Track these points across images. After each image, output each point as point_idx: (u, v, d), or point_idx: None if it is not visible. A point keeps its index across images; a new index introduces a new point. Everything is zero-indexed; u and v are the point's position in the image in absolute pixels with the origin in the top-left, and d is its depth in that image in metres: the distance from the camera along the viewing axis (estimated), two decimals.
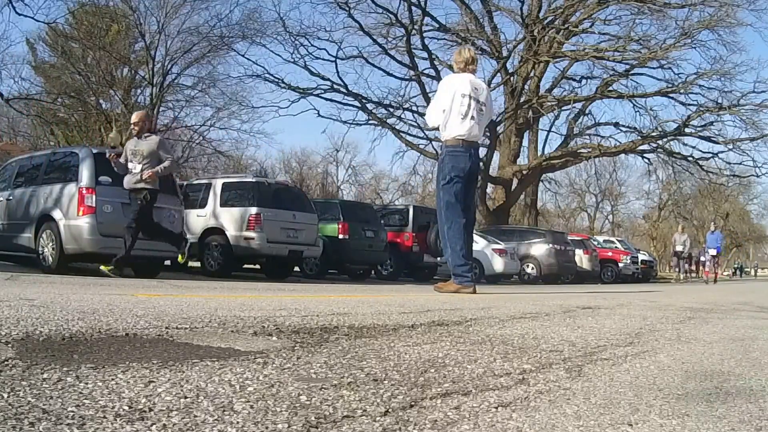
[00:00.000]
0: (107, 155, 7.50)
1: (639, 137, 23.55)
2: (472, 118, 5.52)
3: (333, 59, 21.46)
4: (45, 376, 1.27)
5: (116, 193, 7.73)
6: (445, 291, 5.56)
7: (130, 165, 7.22)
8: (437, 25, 21.79)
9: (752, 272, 60.15)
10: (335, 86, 22.04)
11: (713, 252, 20.00)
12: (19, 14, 16.71)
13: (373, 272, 14.26)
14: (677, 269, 23.54)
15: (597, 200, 50.94)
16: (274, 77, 22.59)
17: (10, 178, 8.95)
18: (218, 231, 10.46)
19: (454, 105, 5.51)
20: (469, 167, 5.58)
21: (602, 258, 20.25)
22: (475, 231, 21.51)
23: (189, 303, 3.04)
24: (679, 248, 21.82)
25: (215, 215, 10.64)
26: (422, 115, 23.12)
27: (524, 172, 24.51)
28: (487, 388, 1.47)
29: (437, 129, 5.88)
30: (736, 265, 56.38)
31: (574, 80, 24.00)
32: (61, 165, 8.31)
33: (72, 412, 1.04)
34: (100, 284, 4.95)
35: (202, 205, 10.83)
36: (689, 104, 22.65)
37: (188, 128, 24.80)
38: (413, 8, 20.07)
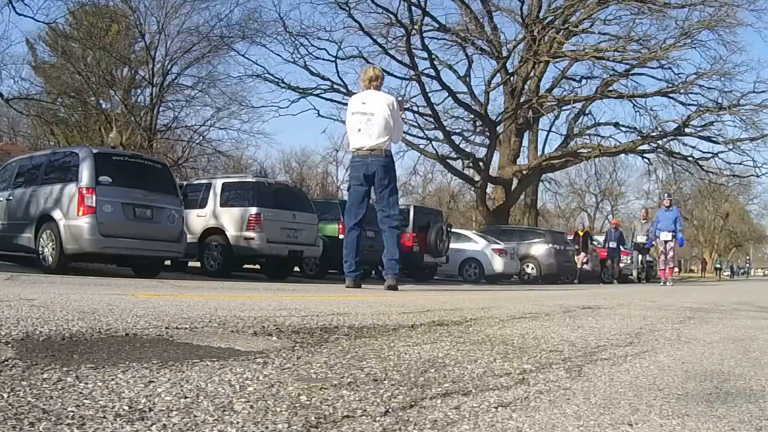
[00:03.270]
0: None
1: (639, 137, 23.55)
2: (359, 130, 6.38)
3: (333, 59, 21.48)
4: (45, 376, 1.27)
5: (116, 193, 7.73)
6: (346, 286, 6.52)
7: None
8: (437, 25, 21.78)
9: (737, 272, 57.72)
10: (335, 86, 22.05)
11: (666, 236, 13.66)
12: (19, 14, 16.71)
13: (373, 272, 14.25)
14: (638, 266, 18.66)
15: (597, 200, 50.95)
16: (274, 77, 22.61)
17: (10, 178, 8.95)
18: (218, 231, 10.46)
19: (349, 124, 6.58)
20: (363, 174, 6.42)
21: (602, 258, 20.24)
22: (475, 231, 21.35)
23: (189, 303, 3.04)
24: (640, 239, 17.00)
25: (215, 215, 10.63)
26: (423, 115, 23.16)
27: (524, 172, 24.51)
28: (487, 388, 1.47)
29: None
30: (718, 265, 50.51)
31: (574, 80, 24.01)
32: (61, 165, 8.31)
33: (72, 412, 1.04)
34: (100, 284, 4.95)
35: (202, 205, 10.82)
36: (689, 104, 22.67)
37: (188, 128, 24.80)
38: (413, 8, 20.07)
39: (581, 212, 51.52)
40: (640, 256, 18.32)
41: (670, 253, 14.10)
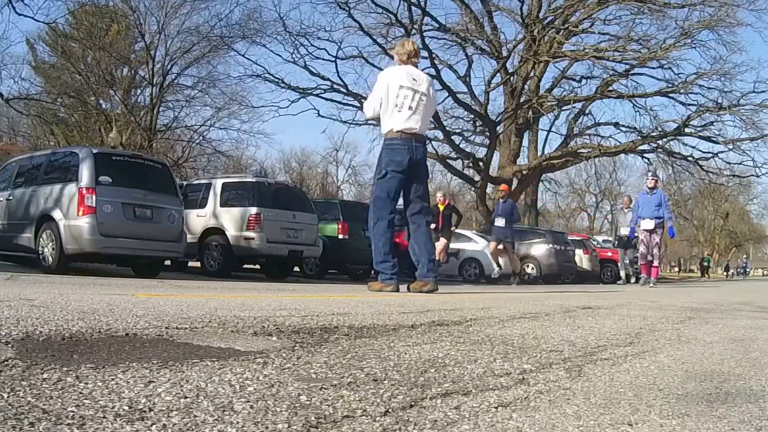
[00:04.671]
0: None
1: (639, 137, 23.55)
2: (410, 109, 5.38)
3: (333, 59, 21.49)
4: (45, 376, 1.27)
5: (116, 193, 7.74)
6: (372, 290, 5.49)
7: None
8: (437, 25, 21.78)
9: (738, 271, 55.54)
10: (335, 86, 22.06)
11: (648, 225, 11.08)
12: (19, 14, 16.72)
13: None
14: (625, 264, 16.20)
15: (597, 200, 50.98)
16: (274, 77, 22.62)
17: (10, 178, 8.95)
18: (218, 231, 10.47)
19: (390, 97, 5.37)
20: (408, 160, 5.40)
21: (602, 258, 20.24)
22: (475, 231, 21.32)
23: (189, 303, 3.04)
24: (624, 231, 14.59)
25: (215, 215, 10.64)
26: None
27: (524, 172, 24.51)
28: (487, 388, 1.47)
29: (375, 121, 5.75)
30: (706, 263, 46.35)
31: (574, 80, 24.02)
32: (61, 165, 8.31)
33: (72, 412, 1.04)
34: (100, 284, 4.95)
35: (202, 205, 10.83)
36: (689, 104, 22.67)
37: (188, 128, 24.82)
38: (413, 8, 20.08)
39: (581, 212, 51.61)
40: (626, 253, 15.69)
41: (655, 248, 11.33)
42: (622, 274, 16.45)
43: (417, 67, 5.76)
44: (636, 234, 12.10)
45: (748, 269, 58.33)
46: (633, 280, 15.99)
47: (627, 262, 16.15)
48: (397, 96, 5.36)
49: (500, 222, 12.34)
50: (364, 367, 1.61)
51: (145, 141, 21.11)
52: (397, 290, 5.41)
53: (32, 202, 8.13)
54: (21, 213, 8.32)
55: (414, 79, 5.45)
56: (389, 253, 5.54)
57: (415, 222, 5.70)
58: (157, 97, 21.89)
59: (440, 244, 12.26)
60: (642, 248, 11.53)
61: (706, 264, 45.43)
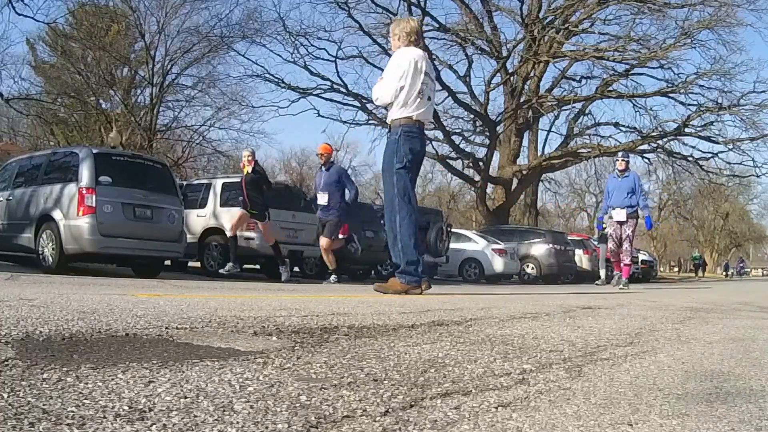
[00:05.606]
0: None
1: (639, 137, 23.57)
2: (429, 99, 5.15)
3: (333, 59, 21.51)
4: (45, 376, 1.27)
5: (116, 194, 7.75)
6: (392, 292, 5.01)
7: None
8: (437, 25, 21.80)
9: (737, 271, 52.90)
10: (335, 86, 22.07)
11: (620, 215, 9.50)
12: (19, 14, 16.75)
13: (373, 272, 14.26)
14: (606, 264, 14.50)
15: (597, 200, 50.95)
16: (274, 77, 22.65)
17: (10, 178, 8.96)
18: (218, 231, 10.47)
19: (416, 83, 4.99)
20: (419, 151, 5.16)
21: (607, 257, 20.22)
22: (475, 231, 21.29)
23: (189, 303, 3.04)
24: (610, 229, 10.93)
25: (215, 215, 10.64)
26: None
27: (524, 172, 24.53)
28: (487, 388, 1.47)
29: (384, 106, 5.27)
30: (697, 261, 43.16)
31: (574, 80, 24.04)
32: (61, 165, 8.32)
33: (72, 412, 1.04)
34: (100, 284, 4.95)
35: (202, 205, 10.83)
36: (689, 104, 22.70)
37: (188, 128, 24.82)
38: (413, 8, 20.09)
39: (581, 212, 51.58)
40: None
41: (626, 241, 9.54)
42: (602, 273, 15.33)
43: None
44: (604, 226, 10.45)
45: (745, 269, 56.18)
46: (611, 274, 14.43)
47: (609, 265, 14.01)
48: (418, 83, 5.00)
49: (323, 198, 8.82)
50: (364, 367, 1.61)
51: (145, 141, 21.12)
52: (423, 292, 5.04)
53: (32, 202, 8.13)
54: (21, 213, 8.32)
55: (429, 65, 5.18)
56: (419, 252, 5.13)
57: (413, 228, 5.23)
58: (157, 97, 21.89)
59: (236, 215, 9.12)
60: (611, 244, 9.75)
61: (697, 262, 42.43)
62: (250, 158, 9.16)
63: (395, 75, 5.01)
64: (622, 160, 10.06)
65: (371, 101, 22.55)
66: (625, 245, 9.63)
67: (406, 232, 5.04)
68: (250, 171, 9.09)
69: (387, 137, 5.24)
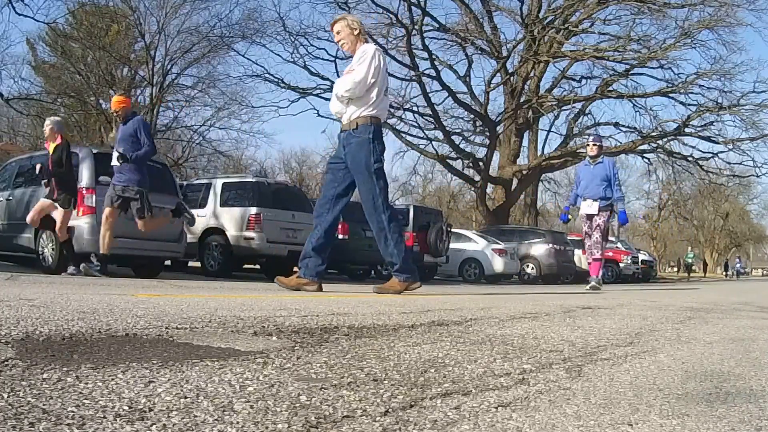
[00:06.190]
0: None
1: (639, 137, 23.59)
2: (387, 95, 5.13)
3: (333, 59, 21.52)
4: (45, 376, 1.27)
5: None
6: (392, 292, 5.01)
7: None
8: (437, 25, 21.81)
9: (739, 271, 50.76)
10: None
11: (590, 207, 8.31)
12: (19, 14, 16.77)
13: (373, 272, 14.26)
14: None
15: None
16: (274, 77, 22.68)
17: (10, 178, 8.96)
18: (218, 231, 10.47)
19: (382, 81, 4.91)
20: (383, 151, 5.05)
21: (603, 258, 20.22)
22: (475, 231, 21.31)
23: (189, 303, 3.04)
24: (584, 226, 9.02)
25: (215, 215, 10.65)
26: (423, 115, 23.14)
27: (524, 172, 24.54)
28: (487, 388, 1.47)
29: (347, 102, 4.99)
30: (690, 260, 39.28)
31: (574, 80, 24.06)
32: None
33: (72, 412, 1.04)
34: (100, 284, 4.95)
35: (202, 205, 10.84)
36: (689, 104, 22.72)
37: (188, 128, 24.85)
38: (413, 8, 20.10)
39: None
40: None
41: (596, 231, 8.23)
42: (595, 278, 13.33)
43: None
44: (569, 217, 9.50)
45: (743, 270, 54.40)
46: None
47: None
48: (384, 82, 4.98)
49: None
50: (364, 367, 1.61)
51: None
52: (320, 290, 5.07)
53: (32, 202, 8.13)
54: (21, 213, 8.32)
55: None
56: (322, 250, 5.09)
57: (397, 225, 5.26)
58: (157, 97, 21.90)
59: (59, 214, 7.08)
60: (587, 240, 8.45)
61: (689, 262, 39.60)
62: (53, 129, 7.17)
63: (369, 69, 4.87)
64: (593, 145, 8.50)
65: None
66: (595, 236, 8.23)
67: (396, 229, 5.04)
68: (59, 145, 7.05)
69: (351, 135, 4.97)
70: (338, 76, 22.93)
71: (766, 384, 1.76)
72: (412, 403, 1.27)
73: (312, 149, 71.65)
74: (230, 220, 10.44)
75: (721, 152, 23.62)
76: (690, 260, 38.33)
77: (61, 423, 0.98)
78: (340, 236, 12.49)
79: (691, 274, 38.03)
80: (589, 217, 8.33)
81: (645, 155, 25.60)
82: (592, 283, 8.31)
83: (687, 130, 22.68)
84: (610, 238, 8.77)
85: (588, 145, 8.79)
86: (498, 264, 15.88)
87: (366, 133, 4.93)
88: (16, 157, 10.17)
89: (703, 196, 37.90)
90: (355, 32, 5.10)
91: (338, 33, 5.22)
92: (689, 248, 45.56)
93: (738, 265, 50.57)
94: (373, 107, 4.94)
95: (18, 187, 8.66)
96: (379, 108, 4.98)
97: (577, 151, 24.80)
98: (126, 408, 1.09)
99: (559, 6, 21.30)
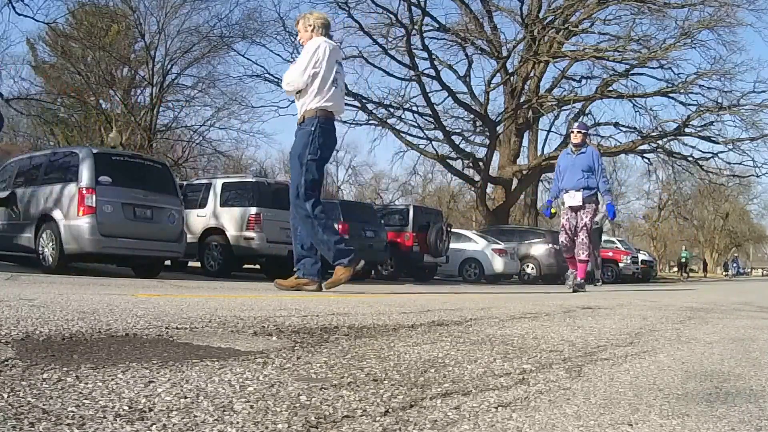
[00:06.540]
0: None
1: (639, 137, 23.58)
2: (341, 90, 5.16)
3: None
4: (45, 376, 1.27)
5: (116, 193, 7.74)
6: (284, 287, 5.12)
7: None
8: (437, 25, 21.80)
9: (739, 271, 49.78)
10: None
11: (573, 199, 7.76)
12: (19, 14, 16.75)
13: (373, 272, 14.26)
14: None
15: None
16: (274, 77, 22.62)
17: (10, 178, 8.95)
18: (218, 231, 10.47)
19: (327, 72, 4.95)
20: (332, 145, 5.16)
21: (602, 258, 20.22)
22: (475, 231, 21.24)
23: (189, 303, 3.04)
24: (563, 218, 8.21)
25: (215, 215, 10.65)
26: (423, 115, 23.15)
27: (524, 172, 24.52)
28: (487, 388, 1.47)
29: (294, 93, 5.11)
30: (684, 259, 37.41)
31: (574, 80, 24.05)
32: (61, 165, 8.31)
33: (72, 412, 1.04)
34: (100, 284, 4.95)
35: (202, 205, 10.83)
36: (689, 104, 22.71)
37: (188, 128, 24.83)
38: (413, 8, 20.09)
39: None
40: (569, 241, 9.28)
41: (582, 231, 7.74)
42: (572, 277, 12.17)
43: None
44: (553, 211, 8.77)
45: (742, 270, 53.62)
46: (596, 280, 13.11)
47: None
48: (334, 71, 5.00)
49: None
50: (364, 367, 1.61)
51: (145, 141, 21.12)
52: (320, 289, 5.06)
53: (32, 202, 8.13)
54: (21, 213, 8.32)
55: (342, 57, 5.14)
56: (313, 248, 5.15)
57: (324, 213, 5.27)
58: (157, 97, 21.90)
59: None
60: (563, 236, 7.96)
61: (683, 261, 37.77)
62: None
63: (308, 61, 4.97)
64: (578, 132, 7.99)
65: (371, 101, 22.69)
66: (581, 236, 7.77)
67: (322, 217, 5.13)
68: None
69: (298, 128, 5.09)
70: None
71: (766, 384, 1.76)
72: (412, 403, 1.27)
73: None
74: (230, 220, 10.43)
75: (721, 152, 23.63)
76: (684, 259, 37.74)
77: (61, 423, 0.98)
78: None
79: (689, 274, 37.46)
80: (574, 209, 7.78)
81: (645, 155, 25.59)
82: (573, 285, 7.94)
83: (687, 130, 22.67)
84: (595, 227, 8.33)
85: (572, 132, 8.26)
86: (498, 264, 15.87)
87: (310, 125, 5.00)
88: (16, 157, 10.17)
89: (703, 196, 37.89)
90: (310, 29, 5.18)
91: (298, 32, 5.37)
92: (683, 247, 45.30)
93: (734, 264, 50.26)
94: (320, 98, 4.98)
95: (18, 187, 8.66)
96: (326, 99, 4.99)
97: None
98: (126, 408, 1.09)
99: (559, 6, 21.29)
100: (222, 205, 10.69)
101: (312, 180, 5.08)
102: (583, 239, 7.79)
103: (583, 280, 7.98)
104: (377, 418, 1.15)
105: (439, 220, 15.06)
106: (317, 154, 5.03)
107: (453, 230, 16.07)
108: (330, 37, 5.25)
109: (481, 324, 2.78)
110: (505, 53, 21.86)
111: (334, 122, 5.13)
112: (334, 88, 5.00)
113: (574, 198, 7.71)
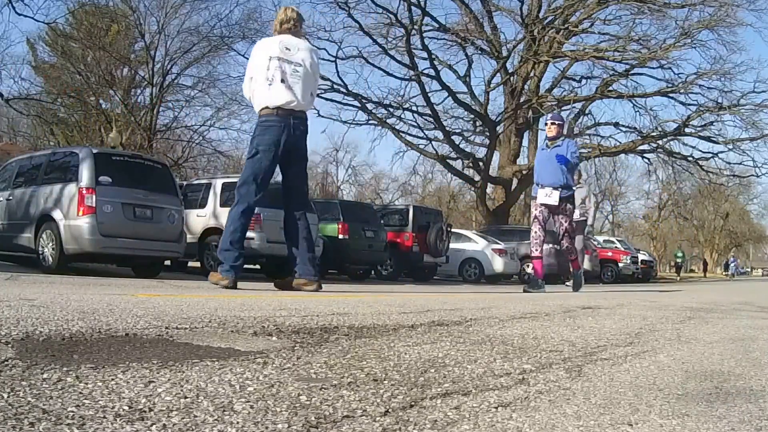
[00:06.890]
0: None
1: (639, 137, 23.57)
2: (283, 81, 4.88)
3: (333, 59, 21.47)
4: (45, 376, 1.27)
5: (116, 193, 7.74)
6: (211, 281, 5.10)
7: None
8: (437, 25, 21.79)
9: (738, 271, 48.96)
10: (335, 86, 22.04)
11: (549, 197, 7.18)
12: (19, 14, 16.70)
13: (373, 272, 14.26)
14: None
15: (597, 200, 50.81)
16: None
17: (10, 178, 8.95)
18: (218, 231, 10.45)
19: (261, 71, 4.89)
20: (284, 140, 4.91)
21: (602, 258, 20.23)
22: (475, 231, 21.25)
23: (189, 303, 3.04)
24: (535, 210, 7.57)
25: (215, 215, 10.64)
26: (423, 115, 23.15)
27: (524, 172, 24.50)
28: (487, 388, 1.47)
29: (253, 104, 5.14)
30: (679, 259, 36.54)
31: (574, 80, 24.03)
32: (61, 165, 8.31)
33: (72, 412, 1.04)
34: (100, 284, 4.95)
35: (202, 205, 10.83)
36: (689, 104, 22.70)
37: (188, 128, 24.81)
38: (413, 8, 20.08)
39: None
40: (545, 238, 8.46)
41: (565, 239, 7.55)
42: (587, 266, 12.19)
43: (299, 35, 5.24)
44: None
45: (739, 269, 52.55)
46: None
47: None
48: (267, 69, 4.88)
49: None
50: (364, 367, 1.61)
51: (145, 141, 21.12)
52: (234, 287, 4.85)
53: (32, 202, 8.13)
54: (21, 213, 8.32)
55: (287, 48, 4.95)
56: (238, 242, 4.98)
57: (297, 212, 5.24)
58: (157, 97, 21.89)
59: None
60: (534, 229, 7.29)
61: (679, 261, 36.70)
62: None
63: (246, 70, 5.09)
64: (552, 124, 7.30)
65: (371, 101, 22.70)
66: (565, 243, 7.51)
67: (231, 218, 5.01)
68: None
69: None
70: (338, 76, 22.79)
71: (766, 384, 1.76)
72: (412, 403, 1.27)
73: (312, 149, 71.51)
74: None
75: (721, 152, 23.63)
76: (679, 259, 37.04)
77: (61, 423, 0.98)
78: (340, 236, 12.50)
79: (680, 276, 37.14)
80: (549, 208, 7.20)
81: (645, 155, 25.59)
82: (531, 288, 7.28)
83: (687, 130, 22.66)
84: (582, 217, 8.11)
85: (546, 123, 7.57)
86: (498, 264, 15.87)
87: (256, 125, 5.09)
88: (16, 157, 10.17)
89: (703, 196, 37.85)
90: (273, 30, 5.25)
91: None
92: (677, 247, 44.96)
93: (733, 264, 50.04)
94: (261, 99, 4.97)
95: (18, 187, 8.66)
96: (266, 99, 4.93)
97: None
98: (126, 408, 1.09)
99: (559, 6, 21.28)
100: (222, 205, 10.67)
101: (245, 178, 5.03)
102: (567, 246, 7.62)
103: (543, 281, 7.35)
104: (377, 418, 1.15)
105: (438, 220, 15.05)
106: (252, 152, 5.04)
107: (453, 230, 16.06)
108: (290, 30, 5.12)
109: (481, 324, 2.78)
110: (505, 53, 21.85)
111: (283, 115, 4.94)
112: (271, 85, 4.89)
113: (550, 196, 7.15)
